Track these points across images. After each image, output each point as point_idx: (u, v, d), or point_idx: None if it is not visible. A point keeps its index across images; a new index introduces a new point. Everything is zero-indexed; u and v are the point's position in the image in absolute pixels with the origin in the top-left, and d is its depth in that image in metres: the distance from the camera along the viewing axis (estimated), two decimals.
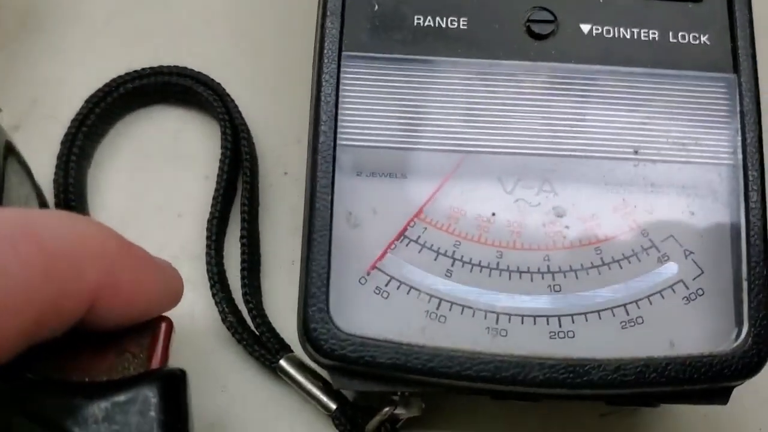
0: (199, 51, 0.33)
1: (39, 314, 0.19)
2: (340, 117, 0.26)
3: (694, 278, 0.26)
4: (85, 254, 0.21)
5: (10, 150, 0.26)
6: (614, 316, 0.25)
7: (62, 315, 0.21)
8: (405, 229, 0.26)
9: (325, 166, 0.25)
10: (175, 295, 0.25)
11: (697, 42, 0.27)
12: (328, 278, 0.24)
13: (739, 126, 0.26)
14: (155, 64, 0.32)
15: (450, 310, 0.25)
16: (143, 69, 0.32)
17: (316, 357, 0.24)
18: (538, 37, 0.26)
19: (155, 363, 0.24)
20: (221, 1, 0.34)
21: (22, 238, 0.19)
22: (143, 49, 0.33)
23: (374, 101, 0.26)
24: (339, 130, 0.26)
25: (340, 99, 0.26)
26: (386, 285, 0.25)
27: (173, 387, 0.24)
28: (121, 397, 0.23)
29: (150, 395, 0.23)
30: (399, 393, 0.26)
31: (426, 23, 0.26)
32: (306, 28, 0.32)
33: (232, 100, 0.31)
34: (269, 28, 0.34)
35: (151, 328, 0.24)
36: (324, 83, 0.26)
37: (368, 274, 0.25)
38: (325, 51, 0.26)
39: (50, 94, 0.33)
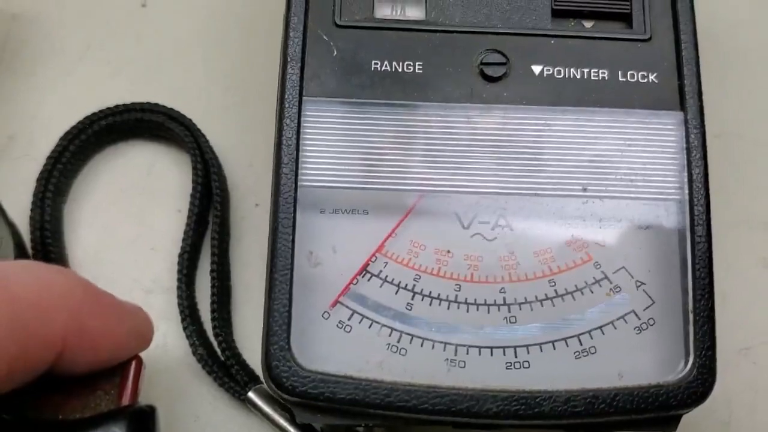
0: (170, 86, 0.34)
1: (10, 363, 0.20)
2: (301, 159, 0.27)
3: (645, 308, 0.27)
4: (52, 302, 0.22)
5: None
6: (568, 346, 0.26)
7: (31, 363, 0.21)
8: (367, 264, 0.27)
9: (286, 207, 0.26)
10: (144, 339, 0.25)
11: (646, 80, 0.28)
12: (289, 316, 0.25)
13: (685, 162, 0.27)
14: (128, 100, 0.33)
15: (410, 342, 0.26)
16: (117, 106, 0.32)
17: (279, 393, 0.25)
18: (491, 79, 0.27)
19: (125, 400, 0.25)
20: (193, 38, 0.35)
21: None
22: (116, 84, 0.34)
23: (334, 143, 0.27)
24: (300, 171, 0.27)
25: (301, 142, 0.27)
26: (348, 319, 0.26)
27: (142, 423, 0.25)
28: None
29: None
30: (362, 425, 0.27)
31: (383, 68, 0.27)
32: (274, 65, 0.33)
33: (203, 135, 0.32)
34: (239, 64, 0.35)
35: (121, 365, 0.25)
36: (285, 127, 0.27)
37: (331, 308, 0.26)
38: (286, 96, 0.27)
39: (27, 130, 0.34)
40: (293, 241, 0.26)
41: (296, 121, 0.27)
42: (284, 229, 0.26)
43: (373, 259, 0.27)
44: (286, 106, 0.27)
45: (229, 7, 0.36)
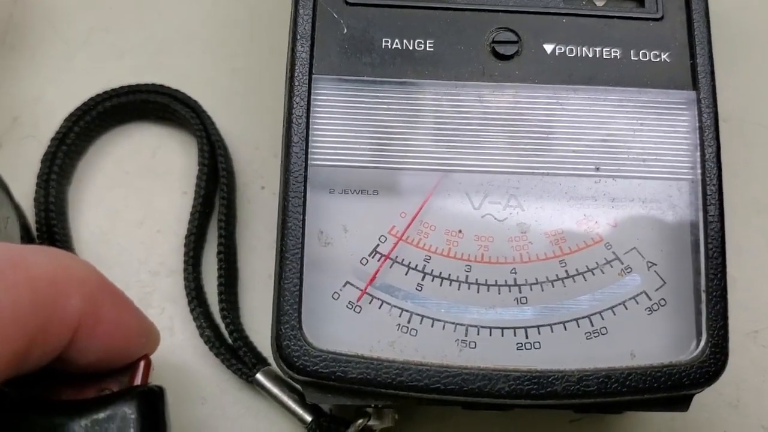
0: (175, 68, 0.34)
1: (28, 341, 0.20)
2: (311, 138, 0.26)
3: (657, 289, 0.27)
4: (69, 284, 0.22)
5: None
6: (579, 327, 0.26)
7: (49, 342, 0.21)
8: (377, 245, 0.26)
9: (296, 186, 0.26)
10: (152, 341, 0.25)
11: (658, 60, 0.28)
12: (300, 296, 0.25)
13: (698, 141, 0.27)
14: (133, 82, 0.33)
15: (420, 323, 0.26)
16: (122, 87, 0.32)
17: (289, 373, 0.25)
18: (503, 57, 0.27)
19: None
20: (197, 20, 0.35)
21: (9, 268, 0.20)
22: (121, 67, 0.34)
23: (344, 122, 0.27)
24: (310, 150, 0.26)
25: (311, 120, 0.27)
26: (358, 300, 0.26)
27: (151, 403, 0.25)
28: (100, 415, 0.24)
29: (128, 412, 0.24)
30: (372, 405, 0.27)
31: (394, 46, 0.27)
32: (280, 47, 0.33)
33: (209, 117, 0.32)
34: (245, 46, 0.35)
35: (129, 366, 0.25)
36: (295, 105, 0.26)
37: (341, 289, 0.26)
38: (296, 74, 0.27)
39: (31, 113, 0.33)
40: (304, 220, 0.26)
41: (306, 99, 0.27)
42: (294, 208, 0.26)
43: (383, 239, 0.27)
44: (296, 84, 0.27)
45: None
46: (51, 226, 0.30)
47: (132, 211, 0.32)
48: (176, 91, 0.32)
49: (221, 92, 0.34)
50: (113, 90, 0.32)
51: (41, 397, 0.24)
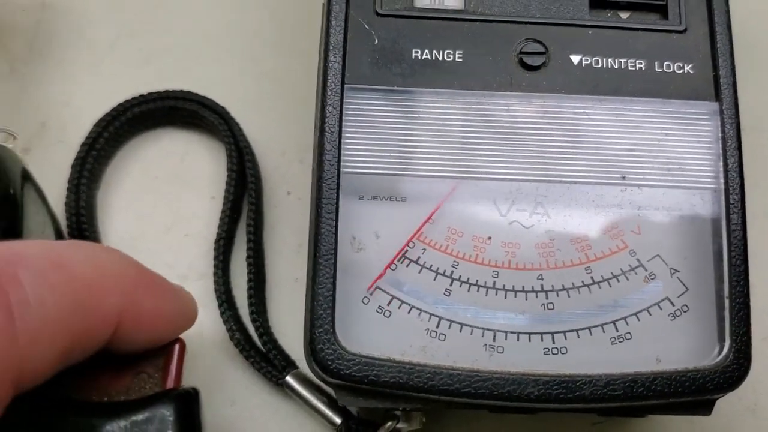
0: (201, 74, 0.34)
1: (72, 340, 0.21)
2: (343, 146, 0.27)
3: (680, 295, 0.27)
4: (109, 281, 0.22)
5: (27, 177, 0.27)
6: (604, 332, 0.27)
7: (91, 339, 0.22)
8: (404, 249, 0.27)
9: (329, 193, 0.27)
10: (189, 318, 0.26)
11: (682, 71, 0.28)
12: (333, 301, 0.26)
13: (720, 151, 0.27)
14: (159, 88, 0.33)
15: (449, 328, 0.26)
16: (150, 93, 0.33)
17: (323, 376, 0.26)
18: (530, 68, 0.28)
19: (170, 382, 0.26)
20: (222, 28, 0.36)
21: (51, 269, 0.21)
22: (147, 73, 0.35)
23: (375, 130, 0.27)
24: (342, 158, 0.27)
25: (343, 129, 0.27)
26: (388, 304, 0.27)
27: (188, 406, 0.25)
28: (139, 416, 0.24)
29: (167, 414, 0.24)
30: (401, 408, 0.28)
31: (423, 56, 0.28)
32: (304, 53, 0.34)
33: (237, 124, 0.33)
34: (269, 52, 0.35)
35: (165, 348, 0.26)
36: (328, 114, 0.27)
37: (370, 293, 0.27)
38: (329, 83, 0.27)
39: (58, 118, 0.34)
40: (336, 226, 0.26)
41: (339, 108, 0.27)
42: (327, 214, 0.26)
43: (411, 245, 0.27)
44: (329, 93, 0.27)
45: None
46: (82, 230, 0.31)
47: (160, 216, 0.32)
48: (204, 97, 0.33)
49: (246, 98, 0.34)
50: (142, 96, 0.33)
51: (80, 398, 0.25)
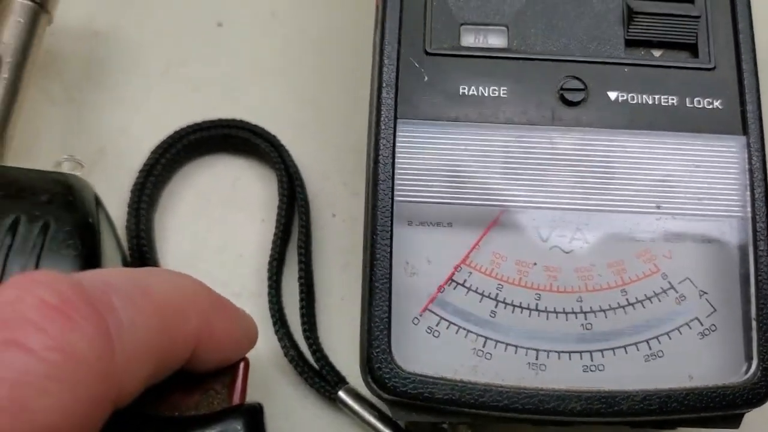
0: (248, 101, 0.36)
1: (159, 360, 0.23)
2: (396, 176, 0.29)
3: (708, 315, 0.29)
4: (188, 305, 0.24)
5: (99, 204, 0.29)
6: (638, 350, 0.29)
7: (174, 359, 0.24)
8: (453, 274, 0.29)
9: (383, 220, 0.28)
10: (253, 339, 0.28)
11: (711, 106, 0.30)
12: (389, 322, 0.28)
13: (748, 182, 0.29)
14: (208, 116, 0.35)
15: (495, 347, 0.28)
16: (204, 121, 0.35)
17: (379, 393, 0.27)
18: (571, 103, 0.30)
19: (236, 399, 0.27)
20: (267, 57, 0.38)
21: (138, 294, 0.22)
22: (196, 101, 0.36)
23: (425, 161, 0.29)
24: (395, 187, 0.29)
25: (396, 160, 0.29)
26: (437, 325, 0.28)
27: (255, 420, 0.27)
28: (210, 431, 0.26)
29: (238, 428, 0.26)
30: (449, 422, 0.29)
31: (470, 92, 0.30)
32: (347, 83, 0.36)
33: (287, 151, 0.34)
34: (313, 80, 0.37)
35: (231, 367, 0.28)
36: (382, 147, 0.29)
37: (421, 315, 0.29)
38: (382, 118, 0.29)
39: (115, 144, 0.36)
40: (391, 252, 0.28)
41: (392, 141, 0.29)
42: (382, 240, 0.28)
43: (459, 269, 0.29)
44: (383, 127, 0.29)
45: (300, 26, 0.38)
46: (143, 252, 0.32)
47: (214, 238, 0.34)
48: (256, 126, 0.35)
49: (292, 124, 0.36)
50: (197, 124, 0.34)
51: (153, 413, 0.26)
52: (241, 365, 0.28)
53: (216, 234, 0.34)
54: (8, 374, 0.19)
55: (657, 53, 0.31)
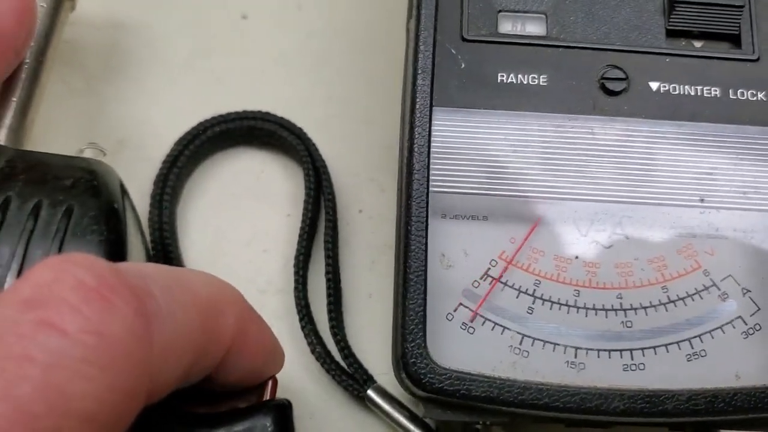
0: (272, 95, 0.35)
1: (195, 356, 0.22)
2: (431, 166, 0.28)
3: (752, 314, 0.28)
4: (224, 305, 0.23)
5: (124, 191, 0.28)
6: (680, 349, 0.28)
7: (208, 359, 0.23)
8: (488, 269, 0.28)
9: (419, 212, 0.28)
10: (280, 360, 0.27)
11: (755, 98, 0.29)
12: (425, 316, 0.27)
13: None
14: (231, 108, 0.34)
15: (532, 345, 0.27)
16: (229, 113, 0.34)
17: (414, 390, 0.26)
18: (611, 93, 0.29)
19: None
20: (292, 50, 0.37)
21: (177, 286, 0.21)
22: (220, 93, 0.36)
23: (460, 151, 0.28)
24: (430, 177, 0.28)
25: (432, 149, 0.28)
26: (471, 321, 0.27)
27: (285, 416, 0.26)
28: (239, 426, 0.25)
29: (267, 424, 0.25)
30: (482, 422, 0.28)
31: (509, 80, 0.29)
32: (374, 75, 0.35)
33: (314, 144, 0.33)
34: (339, 74, 0.36)
35: (258, 386, 0.26)
36: (417, 135, 0.28)
37: (455, 310, 0.27)
38: (417, 105, 0.28)
39: (136, 135, 0.35)
40: (426, 244, 0.27)
41: (427, 129, 0.28)
42: (417, 232, 0.27)
43: (494, 263, 0.28)
44: (418, 115, 0.28)
45: (326, 19, 0.37)
46: (166, 246, 0.31)
47: (238, 232, 0.33)
48: (282, 118, 0.34)
49: (316, 118, 0.35)
50: (222, 116, 0.34)
51: (182, 409, 0.25)
52: (269, 383, 0.27)
53: (240, 228, 0.33)
54: (42, 356, 0.18)
55: (698, 44, 0.30)
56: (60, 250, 0.25)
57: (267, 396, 0.26)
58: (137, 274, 0.21)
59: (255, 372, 0.25)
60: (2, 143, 0.29)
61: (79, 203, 0.25)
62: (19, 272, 0.24)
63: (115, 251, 0.25)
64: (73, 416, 0.18)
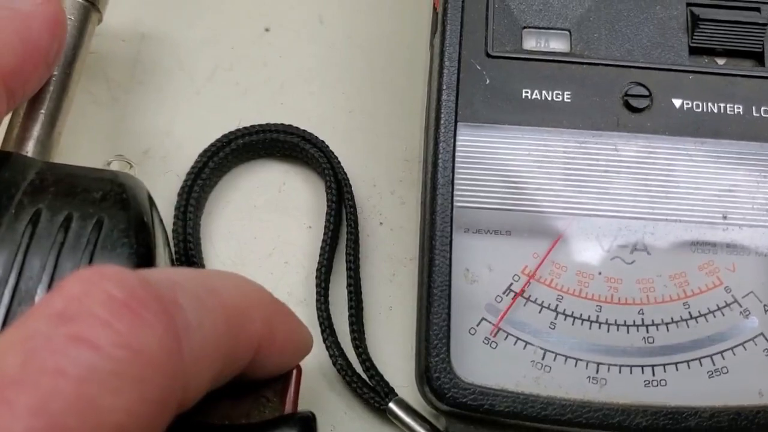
0: (295, 107, 0.36)
1: (224, 363, 0.22)
2: (455, 181, 0.28)
3: None
4: (253, 308, 0.23)
5: (152, 204, 0.28)
6: (701, 365, 0.28)
7: (237, 363, 0.23)
8: (511, 283, 0.28)
9: (443, 226, 0.28)
10: (308, 347, 0.27)
11: None
12: (449, 330, 0.27)
13: None
14: (254, 121, 0.34)
15: (554, 360, 0.27)
16: (253, 126, 0.34)
17: (437, 404, 0.27)
18: (635, 110, 0.29)
19: (288, 407, 0.27)
20: (314, 63, 0.37)
21: (205, 294, 0.22)
22: (243, 105, 0.36)
23: (484, 166, 0.29)
24: (455, 192, 0.28)
25: (456, 164, 0.28)
26: (494, 335, 0.28)
27: (309, 428, 0.26)
28: None
29: None
30: None
31: (533, 96, 0.29)
32: (395, 88, 0.35)
33: (336, 157, 0.34)
34: (360, 88, 0.36)
35: (283, 374, 0.27)
36: (441, 150, 0.28)
37: (477, 325, 0.28)
38: (442, 121, 0.28)
39: (161, 146, 0.35)
40: (450, 258, 0.27)
41: (452, 145, 0.28)
42: (442, 247, 0.28)
43: (517, 278, 0.28)
44: (443, 131, 0.28)
45: (348, 32, 0.38)
46: (190, 257, 0.32)
47: (260, 243, 0.33)
48: (304, 131, 0.34)
49: (338, 130, 0.35)
50: (245, 128, 0.34)
51: (204, 421, 0.26)
52: (294, 372, 0.27)
53: (262, 240, 0.33)
54: (74, 371, 0.18)
55: (721, 61, 0.30)
56: (90, 262, 0.25)
57: (292, 385, 0.27)
58: (166, 283, 0.21)
59: (283, 364, 0.26)
60: (31, 155, 0.29)
61: (109, 216, 0.26)
62: (50, 285, 0.24)
63: (145, 264, 0.25)
64: (105, 429, 0.18)
